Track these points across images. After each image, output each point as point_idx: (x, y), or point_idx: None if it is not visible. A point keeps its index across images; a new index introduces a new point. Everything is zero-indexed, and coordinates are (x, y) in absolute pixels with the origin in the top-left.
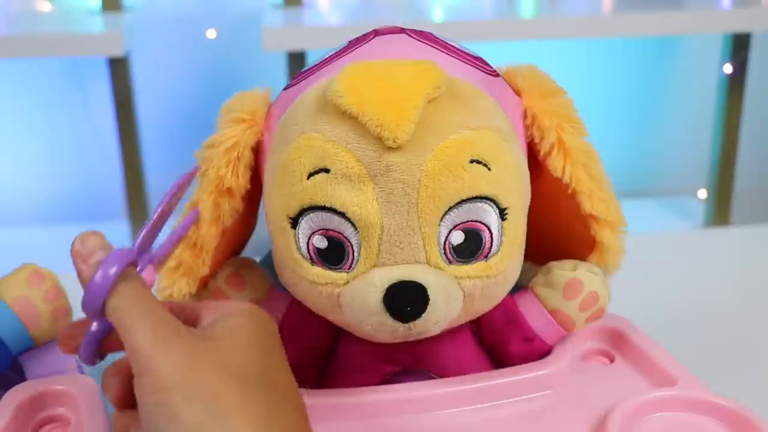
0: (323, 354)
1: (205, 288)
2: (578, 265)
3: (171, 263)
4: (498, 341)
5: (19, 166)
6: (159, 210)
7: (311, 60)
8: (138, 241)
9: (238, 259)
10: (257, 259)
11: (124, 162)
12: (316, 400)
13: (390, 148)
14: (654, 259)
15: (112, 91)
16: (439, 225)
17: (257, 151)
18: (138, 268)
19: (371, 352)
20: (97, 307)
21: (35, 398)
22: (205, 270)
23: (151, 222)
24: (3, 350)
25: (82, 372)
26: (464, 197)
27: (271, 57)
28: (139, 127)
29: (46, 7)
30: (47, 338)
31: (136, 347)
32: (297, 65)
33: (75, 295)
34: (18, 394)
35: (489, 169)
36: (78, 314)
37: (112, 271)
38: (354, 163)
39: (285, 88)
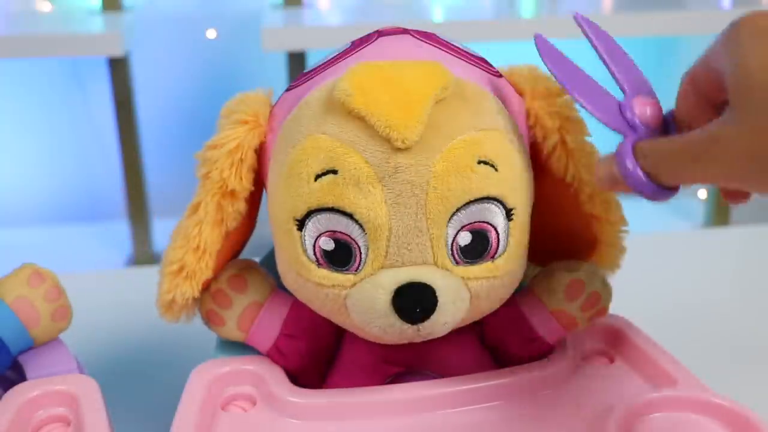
0: (326, 355)
1: (207, 290)
2: (579, 266)
3: (173, 267)
4: (500, 342)
5: (19, 166)
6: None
7: (311, 60)
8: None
9: (240, 260)
10: (256, 260)
11: (124, 162)
12: (317, 400)
13: (398, 149)
14: (654, 259)
15: (112, 91)
16: (446, 226)
17: (259, 153)
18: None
19: (374, 353)
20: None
21: (35, 398)
22: (208, 273)
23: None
24: (3, 350)
25: (82, 372)
26: (472, 198)
27: (271, 57)
28: (139, 127)
29: (46, 7)
30: (47, 338)
31: None
32: (297, 65)
33: (75, 295)
34: (18, 394)
35: (496, 170)
36: (77, 314)
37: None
38: (362, 164)
39: (287, 90)
